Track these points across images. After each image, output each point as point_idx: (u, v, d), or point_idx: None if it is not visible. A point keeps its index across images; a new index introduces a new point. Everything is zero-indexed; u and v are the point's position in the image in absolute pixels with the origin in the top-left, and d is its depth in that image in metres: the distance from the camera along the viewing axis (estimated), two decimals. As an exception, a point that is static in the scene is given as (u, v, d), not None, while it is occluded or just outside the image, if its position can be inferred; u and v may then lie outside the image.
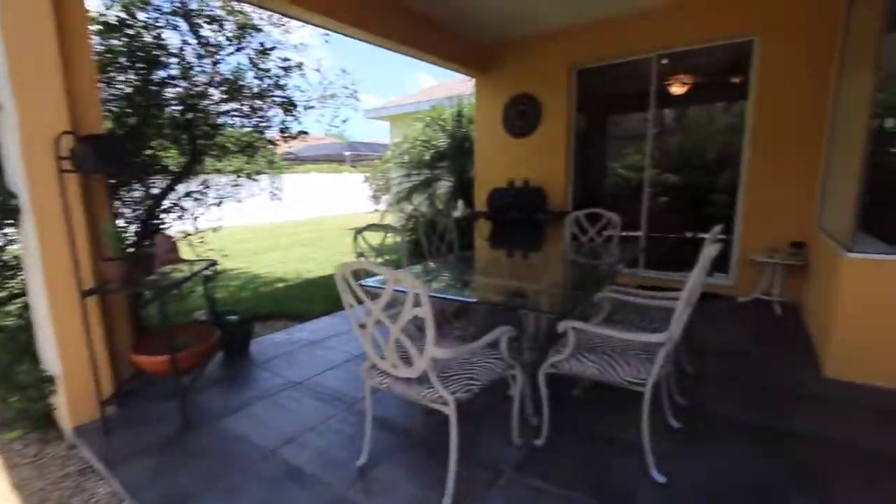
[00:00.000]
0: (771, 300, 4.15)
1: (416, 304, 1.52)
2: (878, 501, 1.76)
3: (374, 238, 3.31)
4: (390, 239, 3.42)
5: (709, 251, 1.88)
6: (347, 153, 21.68)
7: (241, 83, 3.60)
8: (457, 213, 7.03)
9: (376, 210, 9.64)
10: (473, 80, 6.14)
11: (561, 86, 5.35)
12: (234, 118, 3.75)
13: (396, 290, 1.64)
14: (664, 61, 6.34)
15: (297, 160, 12.66)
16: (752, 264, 4.35)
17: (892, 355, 2.57)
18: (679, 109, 10.29)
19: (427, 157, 7.19)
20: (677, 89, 6.80)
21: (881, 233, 2.81)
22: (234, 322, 3.27)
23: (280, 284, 5.81)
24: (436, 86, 12.55)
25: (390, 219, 8.14)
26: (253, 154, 4.05)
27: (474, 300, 2.47)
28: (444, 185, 7.15)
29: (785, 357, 3.08)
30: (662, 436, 2.18)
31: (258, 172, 4.35)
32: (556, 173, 5.54)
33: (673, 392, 2.48)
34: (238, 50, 3.54)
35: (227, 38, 3.47)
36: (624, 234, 3.85)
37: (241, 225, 11.68)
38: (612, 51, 4.99)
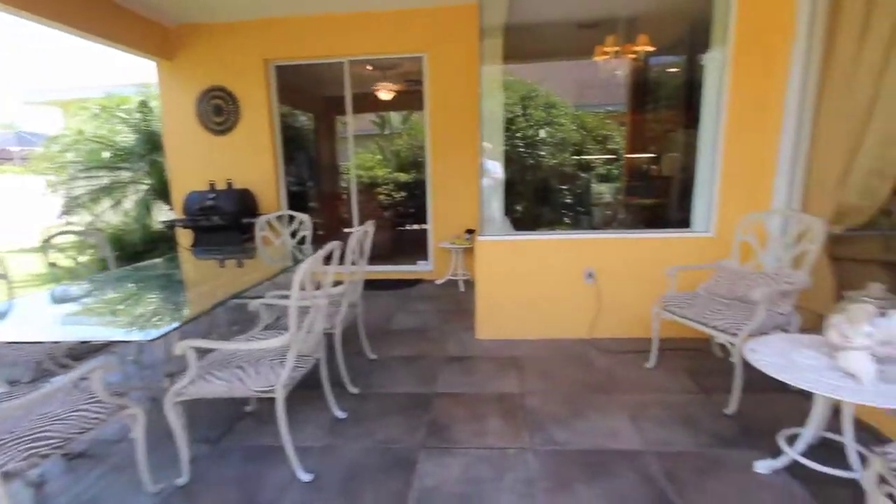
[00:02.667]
0: (457, 279, 4.93)
1: None
2: (480, 433, 2.19)
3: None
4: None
5: (331, 245, 1.98)
6: (15, 148, 16.22)
7: None
8: (163, 220, 5.98)
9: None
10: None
11: (259, 81, 5.07)
12: None
13: None
14: (369, 68, 6.80)
15: None
16: (441, 251, 5.07)
17: (511, 313, 3.33)
18: (405, 113, 11.40)
19: (107, 155, 5.84)
20: (385, 95, 7.41)
21: (516, 221, 3.63)
22: None
23: None
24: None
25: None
26: None
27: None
28: (137, 189, 5.95)
29: (455, 328, 3.65)
30: (328, 428, 2.25)
31: None
32: (265, 174, 5.27)
33: (345, 383, 2.60)
34: None
35: None
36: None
37: None
38: (305, 51, 4.99)
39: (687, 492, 1.77)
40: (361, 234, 2.67)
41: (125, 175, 6.06)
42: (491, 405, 2.46)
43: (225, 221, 4.77)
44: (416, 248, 5.86)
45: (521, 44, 5.19)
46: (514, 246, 3.27)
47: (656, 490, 1.79)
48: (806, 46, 2.67)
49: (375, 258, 5.82)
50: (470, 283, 4.94)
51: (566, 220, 7.41)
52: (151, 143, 5.95)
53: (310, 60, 5.10)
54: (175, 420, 1.77)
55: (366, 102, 8.28)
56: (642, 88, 6.80)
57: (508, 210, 4.88)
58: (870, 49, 2.30)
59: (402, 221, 7.63)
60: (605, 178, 7.79)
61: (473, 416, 2.36)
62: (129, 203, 5.99)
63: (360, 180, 9.89)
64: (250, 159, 5.23)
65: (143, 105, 5.97)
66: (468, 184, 5.01)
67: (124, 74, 7.58)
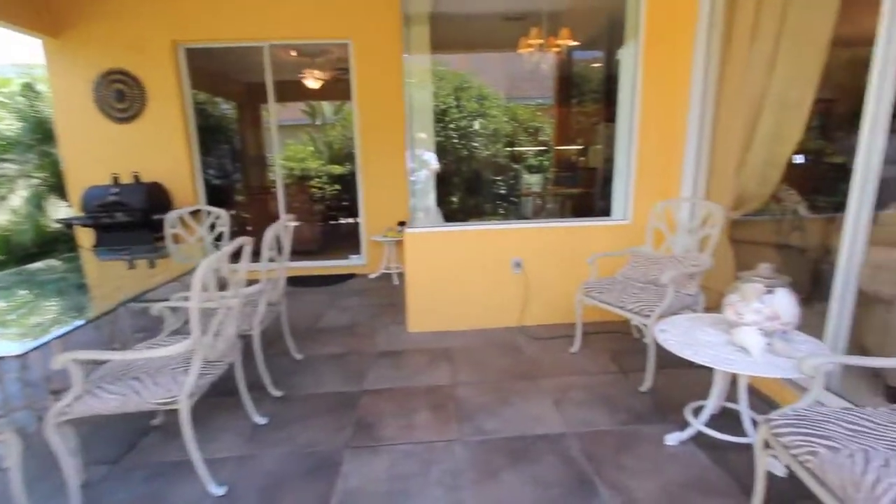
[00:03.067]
0: (391, 273, 4.85)
1: None
2: (408, 428, 2.16)
3: None
4: None
5: (240, 241, 1.84)
6: None
7: None
8: (59, 218, 5.35)
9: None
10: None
11: (166, 64, 4.64)
12: None
13: None
14: (293, 53, 6.47)
15: None
16: (374, 244, 4.97)
17: (442, 305, 3.33)
18: (337, 103, 10.99)
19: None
20: (312, 83, 7.09)
21: (450, 213, 3.62)
22: None
23: None
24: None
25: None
26: None
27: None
28: (28, 184, 5.27)
29: (387, 322, 3.59)
30: (247, 436, 2.12)
31: None
32: (178, 166, 4.85)
33: (267, 386, 2.46)
34: None
35: None
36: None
37: None
38: (220, 32, 4.63)
39: (605, 469, 1.85)
40: (280, 227, 2.52)
41: (11, 168, 5.36)
42: (420, 399, 2.43)
43: (132, 218, 4.35)
44: (349, 241, 5.71)
45: (449, 34, 5.17)
46: (443, 237, 3.26)
47: (576, 471, 1.85)
48: (706, 44, 2.85)
49: (307, 253, 5.63)
50: (403, 276, 4.88)
51: (499, 210, 7.58)
52: (42, 132, 5.29)
53: (225, 43, 4.75)
54: (58, 443, 1.57)
55: (294, 91, 7.92)
56: (568, 82, 7.04)
57: (441, 201, 4.87)
58: (759, 49, 2.49)
59: (334, 215, 7.39)
60: (535, 170, 8.02)
61: (402, 411, 2.32)
62: (18, 200, 5.30)
63: (291, 172, 9.51)
64: (160, 150, 4.79)
65: (29, 88, 5.27)
66: (399, 175, 4.92)
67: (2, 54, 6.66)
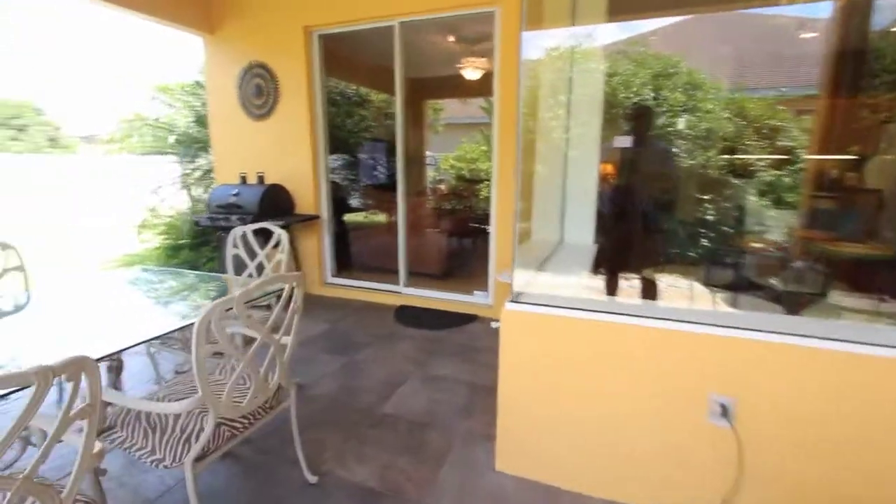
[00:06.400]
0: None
1: None
2: None
3: None
4: None
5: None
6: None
7: None
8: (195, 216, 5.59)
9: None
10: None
11: (298, 54, 4.17)
12: None
13: None
14: (451, 38, 5.58)
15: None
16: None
17: (556, 441, 1.86)
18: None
19: (171, 139, 5.55)
20: (472, 73, 6.10)
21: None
22: None
23: None
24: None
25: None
26: None
27: None
28: (190, 177, 5.60)
29: (474, 433, 2.29)
30: None
31: None
32: (302, 167, 4.39)
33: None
34: None
35: None
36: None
37: None
38: (350, 13, 3.93)
39: None
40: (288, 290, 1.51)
41: (203, 162, 5.74)
42: None
43: (242, 223, 3.99)
44: (482, 270, 4.52)
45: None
46: (573, 327, 1.79)
47: None
48: None
49: (428, 278, 4.64)
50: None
51: (693, 263, 4.41)
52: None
53: (355, 25, 4.03)
54: None
55: (453, 86, 7.12)
56: (848, 58, 4.44)
57: (597, 240, 3.30)
58: None
59: (473, 230, 6.15)
60: (772, 194, 5.18)
61: None
62: (188, 192, 5.67)
63: (460, 174, 8.88)
64: (286, 149, 4.40)
65: (199, 86, 5.56)
66: (549, 193, 3.53)
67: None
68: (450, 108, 11.19)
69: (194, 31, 4.46)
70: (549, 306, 1.82)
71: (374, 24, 3.92)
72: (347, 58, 5.43)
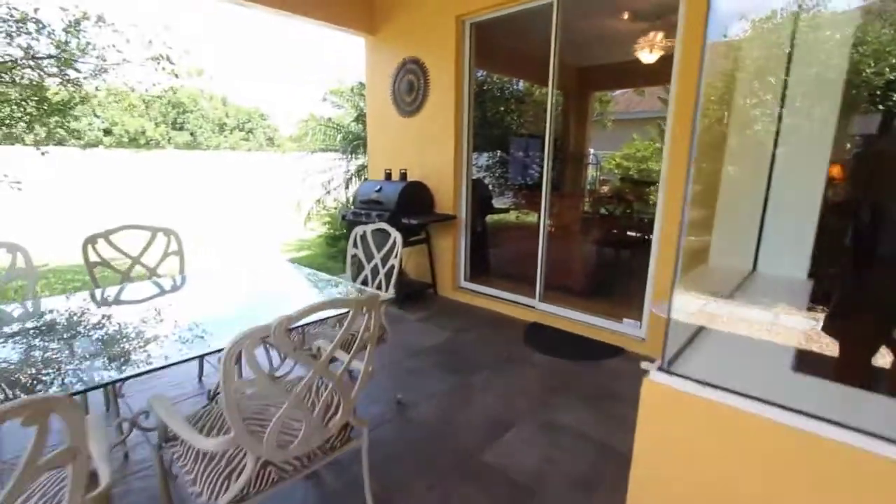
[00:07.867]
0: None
1: None
2: None
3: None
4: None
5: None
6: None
7: None
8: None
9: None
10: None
11: (449, 45, 3.97)
12: None
13: None
14: (624, 16, 4.82)
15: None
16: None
17: None
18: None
19: (339, 139, 5.99)
20: (649, 56, 5.16)
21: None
22: None
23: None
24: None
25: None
26: None
27: None
28: (348, 172, 5.95)
29: (597, 513, 1.73)
30: None
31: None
32: (445, 164, 4.21)
33: None
34: None
35: None
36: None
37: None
38: (504, -5, 3.55)
39: None
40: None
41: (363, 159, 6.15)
42: None
43: (380, 220, 3.99)
44: (637, 293, 3.70)
45: None
46: (765, 434, 1.11)
47: None
48: None
49: (568, 293, 3.97)
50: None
51: None
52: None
53: (510, 8, 3.62)
54: None
55: (626, 74, 6.23)
56: None
57: (815, 273, 2.27)
58: None
59: (630, 242, 5.22)
60: None
61: None
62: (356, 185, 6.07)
63: (628, 173, 7.95)
64: (431, 144, 4.27)
65: (363, 86, 5.83)
66: (747, 202, 2.65)
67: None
68: (623, 101, 10.03)
69: (359, 32, 4.63)
70: (720, 389, 1.18)
71: (530, 5, 3.46)
72: (501, 46, 5.08)
